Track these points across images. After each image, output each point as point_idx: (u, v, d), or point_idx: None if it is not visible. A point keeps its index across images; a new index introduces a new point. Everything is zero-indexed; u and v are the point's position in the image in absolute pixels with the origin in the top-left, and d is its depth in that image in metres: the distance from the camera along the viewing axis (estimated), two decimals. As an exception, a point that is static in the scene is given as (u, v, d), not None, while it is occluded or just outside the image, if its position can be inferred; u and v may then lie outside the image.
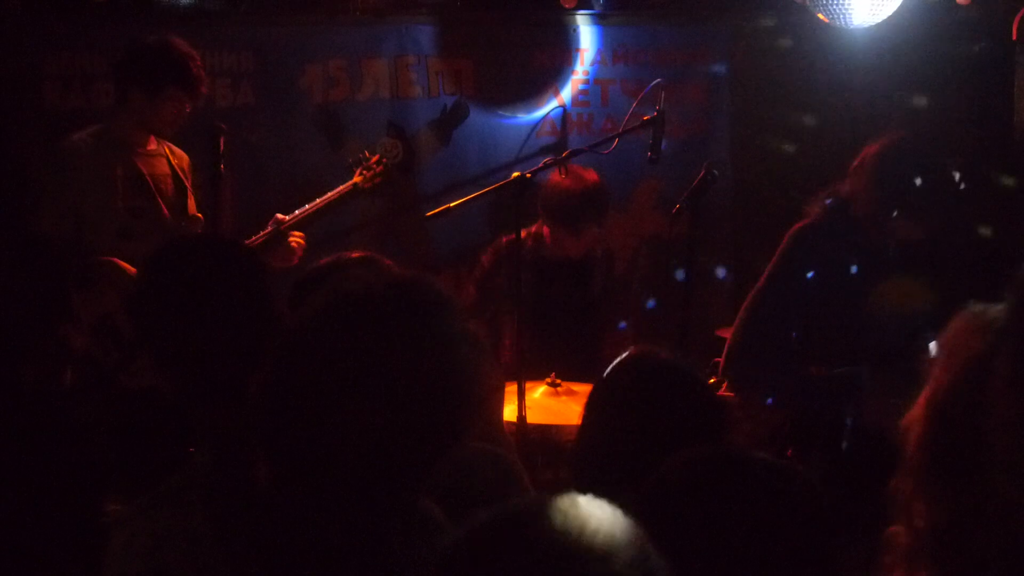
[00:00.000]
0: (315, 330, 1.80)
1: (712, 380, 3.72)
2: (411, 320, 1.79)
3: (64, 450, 2.57)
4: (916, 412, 1.90)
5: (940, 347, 1.88)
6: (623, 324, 5.37)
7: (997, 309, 1.81)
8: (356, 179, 5.01)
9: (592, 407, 2.73)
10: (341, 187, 5.00)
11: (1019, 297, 1.62)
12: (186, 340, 2.28)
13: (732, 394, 4.02)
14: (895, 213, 3.83)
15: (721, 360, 4.04)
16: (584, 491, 2.38)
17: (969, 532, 1.75)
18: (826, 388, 3.92)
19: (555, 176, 4.81)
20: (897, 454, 2.30)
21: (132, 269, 4.34)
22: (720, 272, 4.33)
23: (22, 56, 5.45)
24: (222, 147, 4.27)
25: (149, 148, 4.59)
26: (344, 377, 1.74)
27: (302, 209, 4.84)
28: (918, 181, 3.79)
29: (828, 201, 3.96)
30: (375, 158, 5.09)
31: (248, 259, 2.48)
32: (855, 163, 3.91)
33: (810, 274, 3.93)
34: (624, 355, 2.77)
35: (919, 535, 1.83)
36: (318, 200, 4.91)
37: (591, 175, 4.96)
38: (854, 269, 3.93)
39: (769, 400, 4.02)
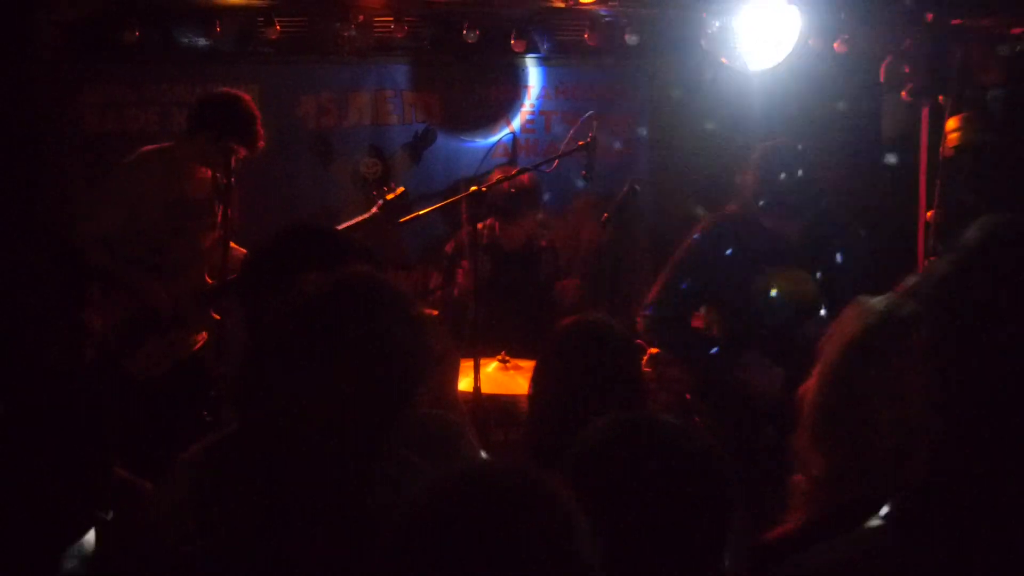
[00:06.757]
0: (282, 325, 1.95)
1: (638, 341, 3.87)
2: (355, 313, 1.91)
3: (82, 419, 2.55)
4: (811, 381, 1.98)
5: (831, 331, 1.97)
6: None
7: (878, 300, 1.92)
8: (374, 210, 4.89)
9: (541, 371, 2.88)
10: (364, 215, 4.87)
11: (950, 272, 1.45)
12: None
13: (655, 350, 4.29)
14: (773, 197, 3.94)
15: (639, 324, 4.22)
16: (538, 450, 2.59)
17: (856, 474, 1.85)
18: (721, 356, 4.09)
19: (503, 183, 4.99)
20: (778, 414, 2.48)
21: (158, 285, 4.70)
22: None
23: (65, 87, 5.90)
24: (233, 164, 4.46)
25: (198, 175, 4.82)
26: (307, 357, 1.90)
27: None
28: (791, 172, 3.95)
29: (735, 206, 4.15)
30: (399, 191, 4.93)
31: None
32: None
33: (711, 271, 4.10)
34: (568, 322, 2.95)
35: (816, 481, 1.93)
36: (346, 223, 4.81)
37: (524, 177, 5.10)
38: (753, 261, 4.03)
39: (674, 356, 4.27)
